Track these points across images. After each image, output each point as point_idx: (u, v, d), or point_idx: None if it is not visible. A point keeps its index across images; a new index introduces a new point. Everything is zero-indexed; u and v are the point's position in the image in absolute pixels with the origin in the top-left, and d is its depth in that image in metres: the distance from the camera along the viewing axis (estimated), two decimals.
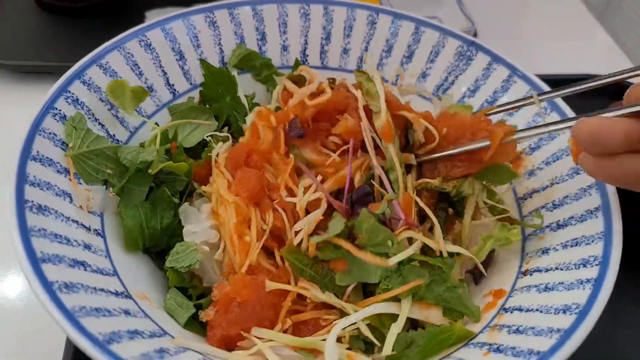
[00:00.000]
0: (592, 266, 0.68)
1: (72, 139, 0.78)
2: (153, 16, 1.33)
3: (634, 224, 0.79)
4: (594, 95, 1.23)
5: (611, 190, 0.75)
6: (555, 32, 1.50)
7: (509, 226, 0.77)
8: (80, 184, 0.76)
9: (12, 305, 0.86)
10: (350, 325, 0.70)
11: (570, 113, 0.86)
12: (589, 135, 0.63)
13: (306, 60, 1.00)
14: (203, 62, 0.93)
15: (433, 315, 0.72)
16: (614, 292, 0.66)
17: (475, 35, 1.36)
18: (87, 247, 0.70)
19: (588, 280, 0.67)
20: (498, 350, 0.65)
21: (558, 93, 0.77)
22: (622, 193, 0.75)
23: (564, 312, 0.64)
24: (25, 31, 1.32)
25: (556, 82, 1.26)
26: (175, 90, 0.92)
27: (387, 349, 0.68)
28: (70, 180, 0.75)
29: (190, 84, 0.94)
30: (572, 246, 0.73)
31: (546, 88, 0.88)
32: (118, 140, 0.84)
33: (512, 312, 0.70)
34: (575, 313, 0.63)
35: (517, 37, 1.46)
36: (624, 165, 0.62)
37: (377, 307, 0.71)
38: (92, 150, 0.78)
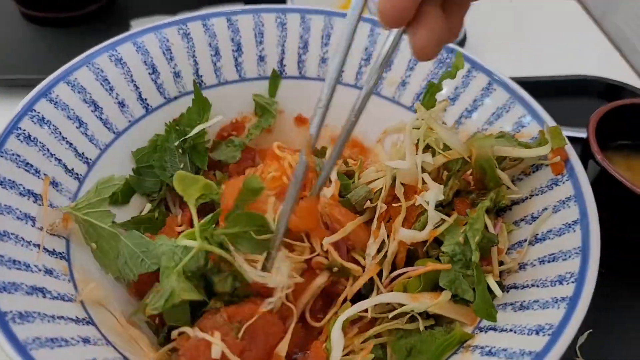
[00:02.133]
0: (568, 283, 0.66)
1: (86, 198, 0.77)
2: (138, 25, 1.32)
3: None
4: (580, 95, 1.23)
5: (590, 202, 0.73)
6: (550, 34, 1.47)
7: None
8: (52, 206, 0.75)
9: None
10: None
11: (548, 118, 0.83)
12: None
13: (284, 71, 0.98)
14: (196, 85, 0.92)
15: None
16: None
17: (464, 38, 1.33)
18: (49, 272, 0.69)
19: (563, 299, 0.64)
20: None
21: None
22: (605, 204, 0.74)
23: (537, 333, 0.62)
24: (12, 44, 1.32)
25: (550, 83, 1.26)
26: (148, 105, 0.90)
27: None
28: (42, 202, 0.74)
29: (165, 97, 0.92)
30: (549, 262, 0.71)
31: (526, 96, 0.86)
32: (88, 159, 0.82)
33: (486, 332, 0.68)
34: (549, 334, 0.61)
35: (509, 39, 1.44)
36: None
37: (386, 296, 0.72)
38: (89, 221, 0.76)
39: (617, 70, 1.32)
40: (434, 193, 0.74)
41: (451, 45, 0.94)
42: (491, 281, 0.72)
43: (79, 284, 0.71)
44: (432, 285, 0.73)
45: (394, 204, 0.78)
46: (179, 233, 0.83)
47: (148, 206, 0.89)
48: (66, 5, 1.35)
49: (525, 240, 0.75)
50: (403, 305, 0.72)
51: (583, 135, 0.93)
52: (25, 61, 1.27)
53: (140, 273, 0.75)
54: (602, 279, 0.92)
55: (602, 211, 0.88)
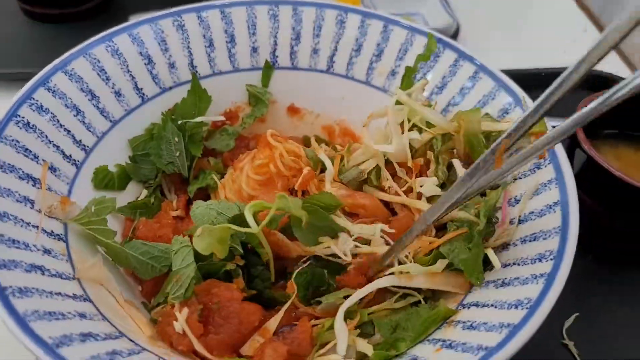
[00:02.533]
0: (547, 261, 0.68)
1: (86, 215, 0.78)
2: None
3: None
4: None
5: (570, 183, 0.75)
6: (545, 28, 1.49)
7: None
8: (51, 190, 0.78)
9: None
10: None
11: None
12: None
13: (276, 62, 1.01)
14: (194, 76, 0.94)
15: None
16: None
17: (457, 31, 1.35)
18: (47, 251, 0.71)
19: (542, 275, 0.66)
20: (450, 346, 0.65)
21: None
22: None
23: (516, 307, 0.65)
24: (13, 40, 1.34)
25: (537, 74, 1.28)
26: (144, 94, 0.93)
27: None
28: (41, 186, 0.76)
29: (160, 87, 0.94)
30: (530, 241, 0.73)
31: (511, 84, 0.88)
32: (85, 146, 0.85)
33: (468, 308, 0.71)
34: (526, 308, 0.63)
35: (502, 32, 1.46)
36: None
37: (383, 280, 0.74)
38: (93, 235, 0.78)
39: (613, 67, 1.33)
40: (429, 188, 0.77)
41: (436, 33, 0.96)
42: (490, 252, 0.74)
43: (77, 264, 0.73)
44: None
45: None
46: (174, 218, 0.86)
47: (144, 192, 0.91)
48: (66, 2, 1.38)
49: (510, 222, 0.78)
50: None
51: None
52: (27, 56, 1.29)
53: (154, 277, 0.78)
54: (589, 265, 0.95)
55: (590, 199, 0.90)
